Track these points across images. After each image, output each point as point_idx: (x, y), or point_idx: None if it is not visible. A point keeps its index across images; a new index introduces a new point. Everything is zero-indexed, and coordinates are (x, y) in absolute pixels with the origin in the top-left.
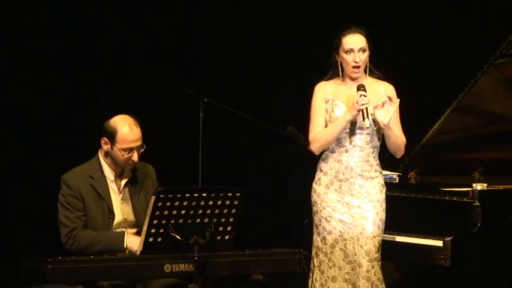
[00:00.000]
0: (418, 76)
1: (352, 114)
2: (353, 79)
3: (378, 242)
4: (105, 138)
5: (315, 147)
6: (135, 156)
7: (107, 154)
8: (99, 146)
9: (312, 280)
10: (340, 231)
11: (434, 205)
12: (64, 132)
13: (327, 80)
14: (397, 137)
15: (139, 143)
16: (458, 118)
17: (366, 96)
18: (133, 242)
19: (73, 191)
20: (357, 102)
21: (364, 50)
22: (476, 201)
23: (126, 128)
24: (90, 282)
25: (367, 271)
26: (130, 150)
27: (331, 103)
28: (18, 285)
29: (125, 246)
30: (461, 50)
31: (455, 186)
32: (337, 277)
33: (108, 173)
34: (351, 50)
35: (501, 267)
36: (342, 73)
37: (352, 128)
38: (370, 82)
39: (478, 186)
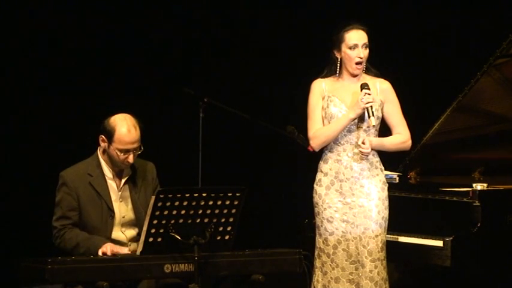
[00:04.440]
0: (418, 76)
1: (356, 112)
2: (352, 76)
3: (381, 241)
4: (103, 136)
5: (315, 144)
6: (130, 158)
7: (104, 152)
8: (98, 144)
9: (313, 281)
10: (343, 232)
11: (434, 205)
12: (65, 132)
13: (323, 77)
14: (391, 146)
15: (136, 145)
16: (458, 118)
17: (370, 94)
18: (107, 247)
19: (69, 189)
20: (362, 100)
21: (366, 46)
22: (476, 201)
23: (124, 129)
24: (90, 282)
25: (370, 271)
26: (127, 151)
27: (327, 99)
28: (18, 285)
29: (100, 253)
30: (462, 50)
31: (455, 186)
32: (340, 278)
33: (107, 170)
34: (355, 46)
35: (501, 267)
36: (340, 70)
37: (351, 126)
38: (367, 80)
39: (478, 186)
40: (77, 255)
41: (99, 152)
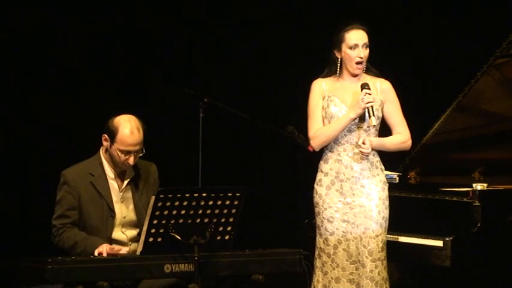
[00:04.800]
0: (418, 76)
1: (357, 112)
2: (353, 76)
3: (381, 241)
4: (106, 135)
5: (315, 143)
6: (131, 160)
7: (106, 151)
8: (101, 143)
9: (314, 281)
10: (343, 232)
11: (434, 205)
12: (65, 131)
13: (323, 77)
14: (392, 146)
15: (137, 147)
16: (458, 118)
17: (370, 94)
18: (103, 247)
19: (70, 188)
20: (362, 100)
21: (367, 46)
22: (476, 201)
23: (127, 131)
24: (90, 282)
25: (371, 271)
26: (128, 153)
27: (327, 99)
28: (18, 285)
29: (96, 253)
30: (461, 50)
31: (455, 186)
32: (340, 278)
33: (109, 170)
34: (356, 46)
35: (501, 267)
36: (340, 70)
37: (351, 126)
38: (367, 79)
39: (478, 186)
40: (75, 255)
41: (102, 152)
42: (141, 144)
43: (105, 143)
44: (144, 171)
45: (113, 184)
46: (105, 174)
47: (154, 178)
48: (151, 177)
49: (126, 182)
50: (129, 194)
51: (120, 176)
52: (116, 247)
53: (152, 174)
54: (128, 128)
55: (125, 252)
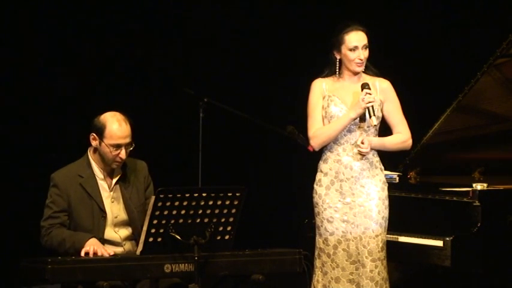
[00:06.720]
0: (418, 76)
1: (357, 112)
2: (353, 75)
3: (381, 241)
4: (94, 134)
5: (315, 143)
6: (122, 154)
7: (95, 151)
8: (89, 144)
9: (314, 281)
10: (343, 232)
11: (434, 205)
12: (66, 132)
13: (323, 77)
14: (392, 146)
15: (127, 140)
16: (458, 118)
17: (371, 94)
18: (92, 243)
19: (60, 191)
20: (363, 100)
21: (366, 47)
22: (476, 201)
23: (115, 124)
24: (90, 282)
25: (371, 271)
26: (118, 146)
27: (327, 99)
28: (18, 285)
29: (82, 253)
30: (462, 49)
31: (455, 186)
32: (340, 278)
33: (98, 171)
34: (355, 48)
35: (501, 267)
36: (340, 71)
37: (351, 126)
38: (366, 79)
39: (478, 186)
40: (64, 252)
41: (90, 152)
42: (131, 137)
43: (93, 143)
44: (132, 169)
45: (103, 184)
46: (94, 175)
47: (144, 175)
48: (141, 175)
49: (114, 181)
50: (119, 193)
51: (110, 175)
52: (103, 250)
53: (141, 171)
54: (115, 121)
55: (112, 253)
